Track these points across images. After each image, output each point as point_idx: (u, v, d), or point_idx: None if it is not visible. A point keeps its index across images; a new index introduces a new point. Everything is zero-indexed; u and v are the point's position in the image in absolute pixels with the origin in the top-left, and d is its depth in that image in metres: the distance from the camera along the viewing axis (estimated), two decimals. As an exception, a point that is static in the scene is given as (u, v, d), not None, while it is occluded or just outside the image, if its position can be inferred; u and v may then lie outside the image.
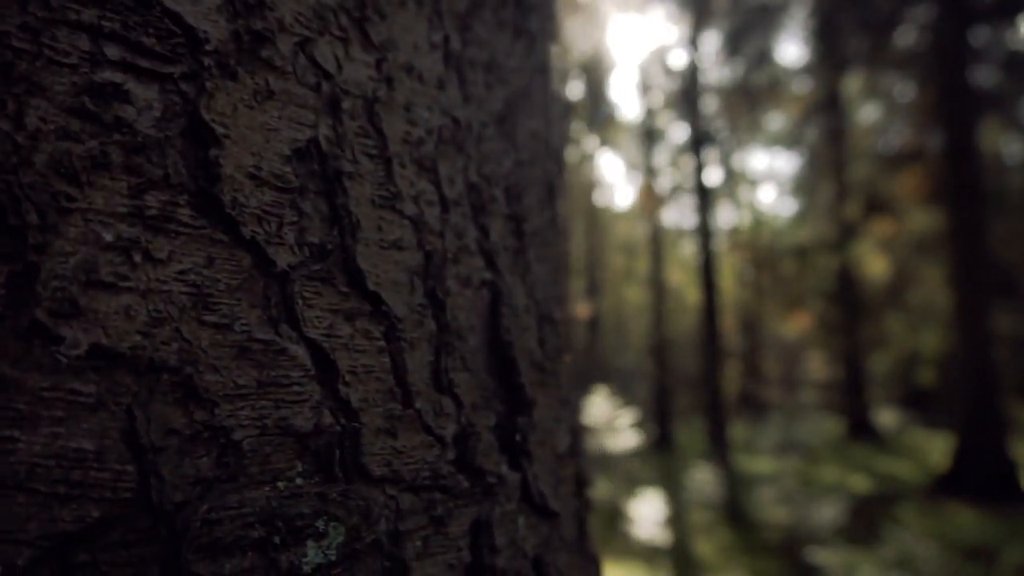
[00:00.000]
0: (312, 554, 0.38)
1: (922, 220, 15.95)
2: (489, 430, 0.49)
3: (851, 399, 16.75)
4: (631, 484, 11.09)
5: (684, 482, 10.40)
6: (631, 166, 25.61)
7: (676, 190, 25.63)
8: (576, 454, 0.63)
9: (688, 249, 24.00)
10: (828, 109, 16.65)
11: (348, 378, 0.42)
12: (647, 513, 8.19)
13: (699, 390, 16.21)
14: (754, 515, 9.47)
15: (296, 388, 0.39)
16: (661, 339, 15.16)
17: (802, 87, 17.39)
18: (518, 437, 0.51)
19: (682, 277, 26.39)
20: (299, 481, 0.38)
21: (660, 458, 13.92)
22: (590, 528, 0.64)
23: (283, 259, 0.40)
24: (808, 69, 17.19)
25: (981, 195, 11.06)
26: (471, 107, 0.52)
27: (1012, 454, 10.46)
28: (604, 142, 24.53)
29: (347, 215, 0.43)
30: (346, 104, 0.45)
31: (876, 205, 15.78)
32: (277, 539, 0.36)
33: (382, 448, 0.43)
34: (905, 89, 15.96)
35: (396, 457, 0.44)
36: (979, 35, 13.55)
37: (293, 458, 0.39)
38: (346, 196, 0.43)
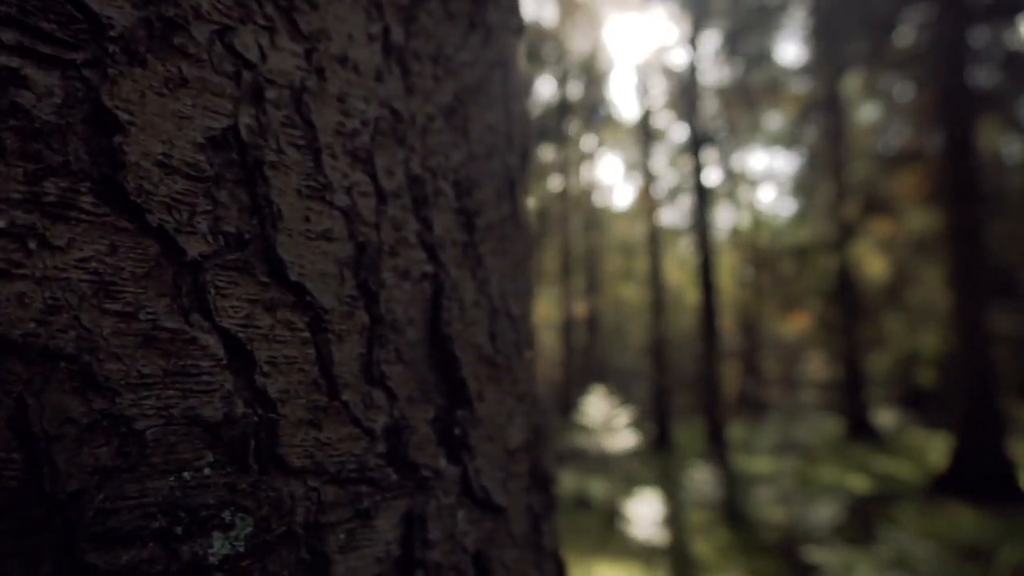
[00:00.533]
0: (218, 545, 0.37)
1: (921, 220, 15.94)
2: (427, 423, 0.48)
3: (850, 399, 16.74)
4: (629, 484, 11.08)
5: (682, 482, 10.39)
6: (630, 166, 25.60)
7: (675, 190, 25.63)
8: (534, 450, 0.62)
9: (687, 249, 23.99)
10: (827, 109, 16.64)
11: (267, 368, 0.42)
12: (645, 513, 8.17)
13: (698, 390, 16.20)
14: (752, 515, 9.47)
15: (206, 378, 0.39)
16: (660, 339, 15.15)
17: (801, 87, 17.38)
18: (457, 431, 0.50)
19: (681, 277, 26.38)
20: (208, 471, 0.38)
21: (659, 458, 13.91)
22: (550, 524, 0.63)
23: (194, 248, 0.40)
24: (807, 69, 17.19)
25: (979, 195, 11.05)
26: (416, 99, 0.51)
27: (1011, 454, 10.44)
28: (603, 142, 24.55)
29: (268, 205, 0.43)
30: (271, 94, 0.44)
31: (875, 205, 15.77)
32: (179, 529, 0.36)
33: (304, 440, 0.43)
34: (904, 89, 15.96)
35: (320, 449, 0.43)
36: (978, 35, 13.55)
37: (202, 448, 0.38)
38: (267, 186, 0.43)
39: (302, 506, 0.42)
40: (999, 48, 13.95)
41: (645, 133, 16.46)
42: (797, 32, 17.54)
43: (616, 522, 8.72)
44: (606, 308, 26.05)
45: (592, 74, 20.72)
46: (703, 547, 8.43)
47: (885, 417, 18.01)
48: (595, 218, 26.75)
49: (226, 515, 0.38)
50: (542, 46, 22.10)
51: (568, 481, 11.98)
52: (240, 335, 0.41)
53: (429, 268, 0.51)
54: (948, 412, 11.97)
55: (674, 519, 9.62)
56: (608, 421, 10.00)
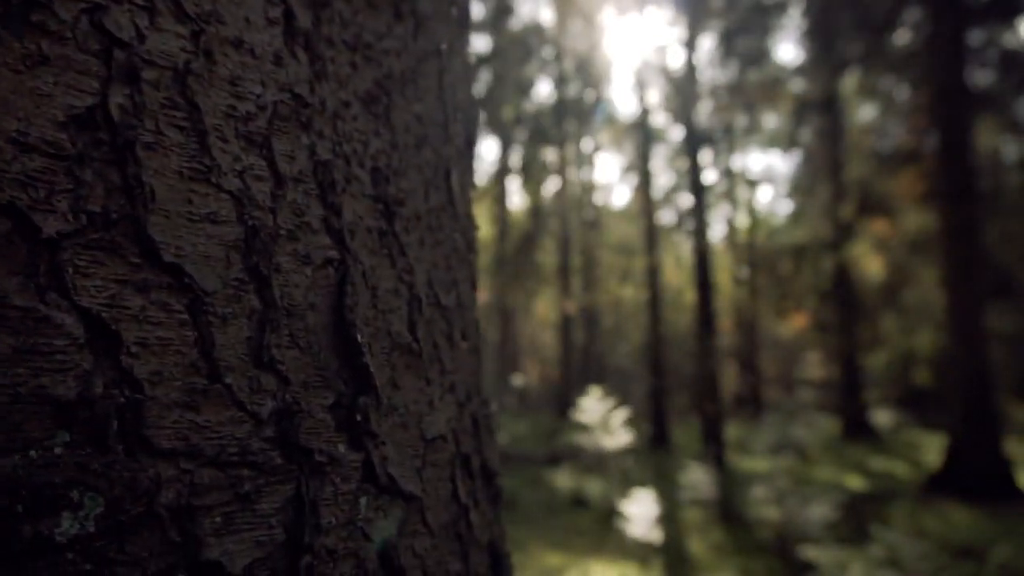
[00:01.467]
0: (67, 524, 0.37)
1: (919, 220, 15.94)
2: (325, 409, 0.48)
3: (848, 399, 16.74)
4: (626, 483, 11.09)
5: (679, 481, 10.39)
6: (628, 166, 25.62)
7: (673, 190, 25.63)
8: (473, 441, 0.61)
9: (685, 249, 23.99)
10: (823, 109, 16.64)
11: (135, 349, 0.41)
12: (640, 512, 8.18)
13: (696, 389, 16.20)
14: (748, 514, 9.47)
15: (60, 356, 0.39)
16: (656, 338, 15.14)
17: (798, 87, 17.38)
18: (359, 417, 0.50)
19: (679, 277, 26.39)
20: (59, 451, 0.38)
21: (656, 457, 13.92)
22: (485, 516, 0.62)
23: (51, 226, 0.39)
24: (803, 69, 17.19)
25: (975, 194, 11.05)
26: (327, 85, 0.51)
27: (1007, 452, 10.44)
28: (601, 142, 24.57)
29: (139, 185, 0.43)
30: (149, 74, 0.44)
31: (872, 205, 15.77)
32: (20, 507, 0.36)
33: (177, 421, 0.42)
34: (901, 89, 15.95)
35: (196, 431, 0.43)
36: (974, 35, 13.56)
37: (53, 427, 0.38)
38: (139, 166, 0.43)
39: (172, 488, 0.41)
40: (995, 48, 13.96)
41: (642, 133, 16.46)
42: (794, 32, 17.53)
43: (613, 521, 8.73)
44: (605, 308, 26.05)
45: (589, 74, 20.74)
46: (698, 546, 8.44)
47: (883, 417, 18.01)
48: (593, 218, 26.77)
49: (74, 494, 0.37)
50: (540, 46, 22.12)
51: (565, 481, 11.99)
52: (104, 315, 0.40)
53: (335, 254, 0.50)
54: (945, 412, 11.96)
55: (670, 518, 9.63)
56: (605, 421, 10.01)
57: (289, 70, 0.50)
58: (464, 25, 0.71)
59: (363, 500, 0.50)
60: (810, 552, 7.15)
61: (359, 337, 0.51)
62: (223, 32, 0.47)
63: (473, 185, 0.73)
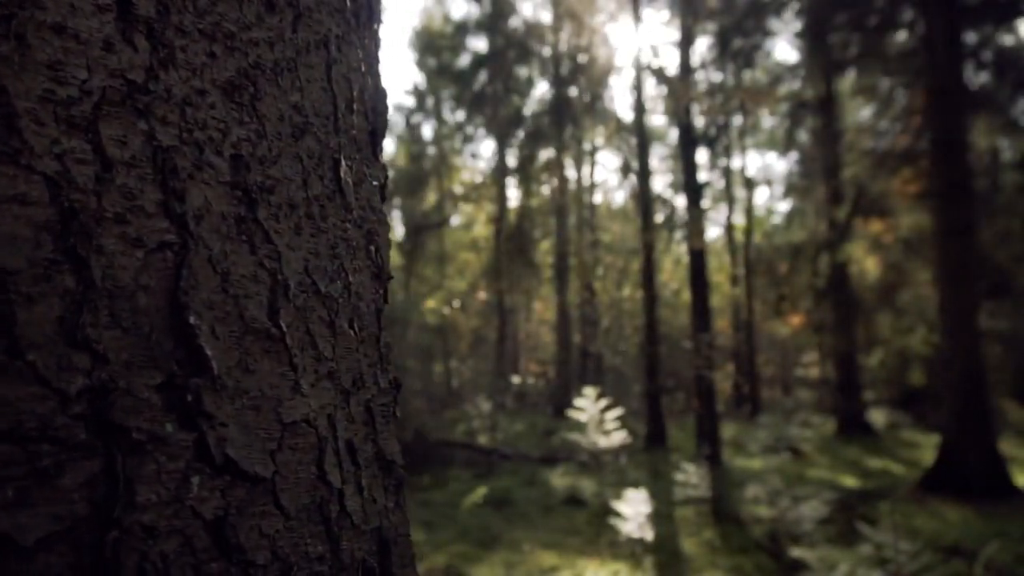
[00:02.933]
0: None
1: (915, 220, 15.94)
2: (151, 388, 0.49)
3: (844, 398, 16.75)
4: (621, 482, 11.10)
5: (673, 480, 10.41)
6: (625, 165, 25.60)
7: (671, 189, 25.63)
8: (346, 426, 0.62)
9: (684, 249, 23.96)
10: (819, 109, 16.65)
11: None
12: (633, 511, 8.21)
13: (693, 389, 16.20)
14: (741, 512, 9.49)
15: None
16: (653, 338, 15.16)
17: (793, 87, 17.39)
18: (191, 398, 0.51)
19: (677, 277, 26.40)
20: None
21: (652, 456, 13.94)
22: (372, 501, 0.64)
23: None
24: (799, 69, 17.20)
25: (970, 194, 11.07)
26: (175, 73, 0.53)
27: (1002, 451, 10.45)
28: (598, 141, 24.58)
29: None
30: None
31: (868, 205, 15.77)
32: None
33: None
34: (897, 88, 15.95)
35: None
36: (971, 34, 13.56)
37: None
38: None
39: None
40: (992, 47, 13.96)
41: (639, 133, 16.47)
42: (789, 32, 17.53)
43: (607, 520, 8.75)
44: (603, 308, 26.07)
45: (587, 74, 20.75)
46: (691, 544, 8.45)
47: (879, 416, 18.02)
48: (591, 217, 26.78)
49: None
50: (538, 46, 22.14)
51: (560, 480, 12.01)
52: None
53: (173, 238, 0.52)
54: (940, 411, 11.97)
55: (664, 517, 9.64)
56: (600, 420, 10.03)
57: (122, 56, 0.51)
58: (367, 18, 0.72)
59: (195, 479, 0.51)
60: (800, 551, 7.18)
61: (192, 319, 0.52)
62: (41, 17, 0.48)
63: (381, 177, 0.75)
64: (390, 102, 0.77)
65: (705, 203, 30.23)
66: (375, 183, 0.73)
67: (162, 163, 0.52)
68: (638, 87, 16.18)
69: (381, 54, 0.76)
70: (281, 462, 0.56)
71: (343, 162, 0.65)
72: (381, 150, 0.74)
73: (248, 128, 0.58)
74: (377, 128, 0.73)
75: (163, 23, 0.53)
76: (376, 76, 0.74)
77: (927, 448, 13.62)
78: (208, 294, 0.53)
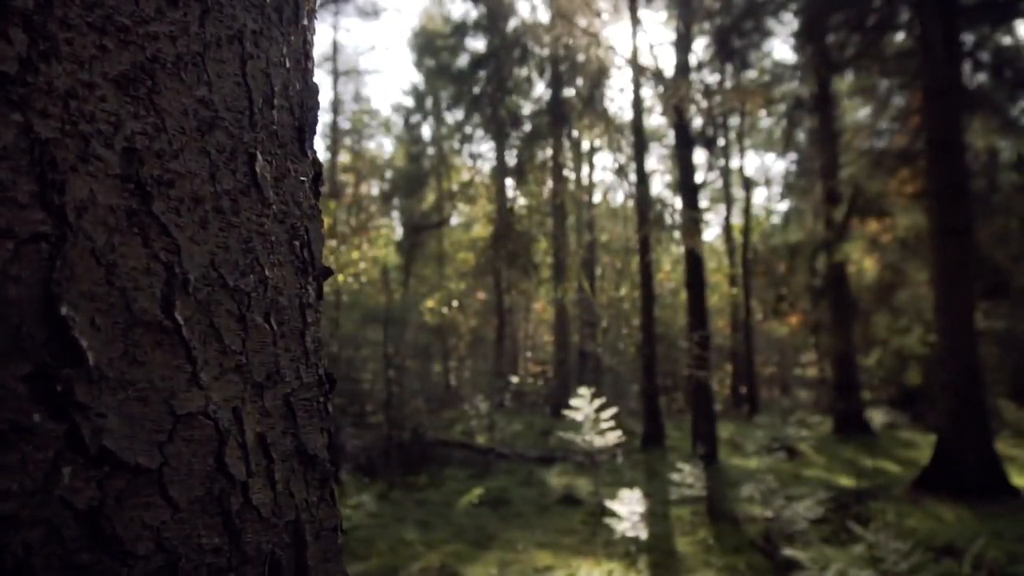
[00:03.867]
0: None
1: (912, 219, 15.93)
2: (18, 379, 0.49)
3: (841, 398, 16.74)
4: (618, 482, 11.11)
5: (669, 480, 10.41)
6: (625, 165, 25.58)
7: (669, 189, 25.63)
8: (258, 420, 0.62)
9: (682, 248, 23.94)
10: (816, 109, 16.64)
11: None
12: (628, 510, 8.21)
13: (689, 389, 16.19)
14: (736, 511, 9.50)
15: None
16: (650, 337, 15.16)
17: (791, 87, 17.39)
18: (61, 388, 0.51)
19: (676, 276, 26.39)
20: None
21: (649, 456, 13.94)
22: (287, 495, 0.64)
23: None
24: (796, 68, 17.19)
25: (966, 194, 11.07)
26: (58, 66, 0.53)
27: (998, 450, 10.45)
28: (596, 141, 24.56)
29: None
30: None
31: (865, 205, 15.77)
32: None
33: None
34: (896, 89, 15.94)
35: None
36: (968, 34, 13.56)
37: None
38: None
39: None
40: (989, 47, 13.95)
41: (637, 133, 16.47)
42: (787, 32, 17.53)
43: (601, 519, 8.75)
44: (602, 307, 26.06)
45: (584, 74, 20.74)
46: (685, 543, 8.46)
47: (877, 416, 18.01)
48: (589, 217, 26.78)
49: None
50: (536, 46, 22.14)
51: (556, 479, 12.02)
52: None
53: (49, 229, 0.52)
54: (937, 410, 11.97)
55: (660, 516, 9.65)
56: (595, 420, 10.03)
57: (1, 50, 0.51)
58: (292, 14, 0.72)
59: (66, 470, 0.51)
60: (793, 550, 7.18)
61: (64, 311, 0.51)
62: None
63: (310, 173, 0.75)
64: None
65: (704, 203, 30.27)
66: (302, 179, 0.73)
67: (40, 155, 0.52)
68: (636, 87, 16.19)
69: (313, 50, 0.76)
70: (171, 454, 0.56)
71: (259, 157, 0.65)
72: (310, 146, 0.75)
73: (144, 122, 0.58)
74: (305, 124, 0.73)
75: (44, 16, 0.53)
76: (304, 72, 0.74)
77: (924, 448, 13.61)
78: (89, 286, 0.53)
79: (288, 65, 0.71)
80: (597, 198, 28.39)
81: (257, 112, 0.65)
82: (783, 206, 26.18)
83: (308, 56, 0.75)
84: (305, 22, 0.75)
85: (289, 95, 0.71)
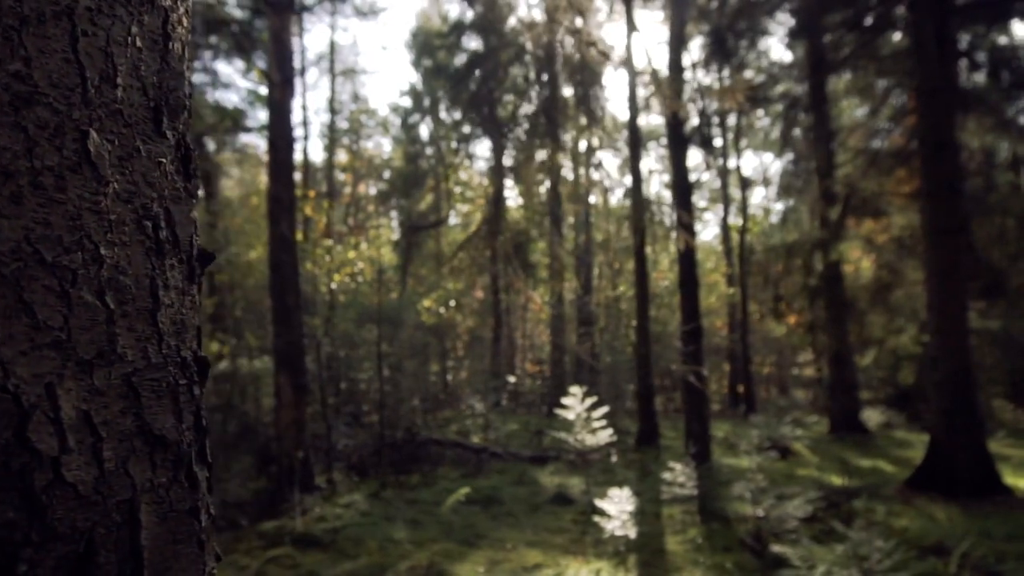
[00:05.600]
0: None
1: (907, 219, 15.92)
2: None
3: (837, 397, 16.73)
4: (610, 481, 11.10)
5: (661, 479, 10.41)
6: (622, 165, 25.60)
7: (667, 189, 25.62)
8: (80, 397, 0.62)
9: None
10: (812, 108, 16.63)
11: None
12: (617, 509, 8.21)
13: (682, 388, 16.17)
14: (727, 510, 9.49)
15: None
16: (645, 337, 15.15)
17: (787, 87, 17.37)
18: None
19: (674, 276, 26.32)
20: None
21: (644, 455, 13.93)
22: (117, 475, 0.63)
23: None
24: (792, 68, 17.18)
25: (960, 193, 11.04)
26: None
27: (991, 449, 10.43)
28: (594, 141, 24.52)
29: None
30: None
31: (861, 204, 15.75)
32: None
33: None
34: (893, 88, 15.92)
35: None
36: (966, 34, 13.54)
37: None
38: None
39: None
40: (985, 47, 13.93)
41: (632, 133, 16.47)
42: (782, 31, 17.52)
43: (592, 518, 8.75)
44: (599, 307, 26.06)
45: (581, 74, 20.74)
46: (675, 542, 8.45)
47: (873, 416, 17.99)
48: (587, 217, 26.77)
49: None
50: (533, 46, 22.14)
51: (549, 478, 12.02)
52: None
53: None
54: (930, 409, 11.95)
55: (651, 515, 9.64)
56: (586, 419, 10.02)
57: None
58: None
59: None
60: (781, 549, 7.18)
61: None
62: None
63: (168, 154, 0.74)
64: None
65: (702, 203, 30.27)
66: (160, 160, 0.72)
67: None
68: (631, 87, 16.18)
69: (181, 33, 0.76)
70: None
71: (94, 135, 0.64)
72: (170, 127, 0.74)
73: None
74: (162, 104, 0.73)
75: None
76: (165, 53, 0.74)
77: (919, 447, 13.59)
78: None
79: (139, 44, 0.70)
80: (595, 198, 28.40)
81: (92, 90, 0.65)
82: (781, 206, 26.14)
83: (170, 37, 0.75)
84: (167, 3, 0.75)
85: (141, 75, 0.70)
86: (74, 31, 0.64)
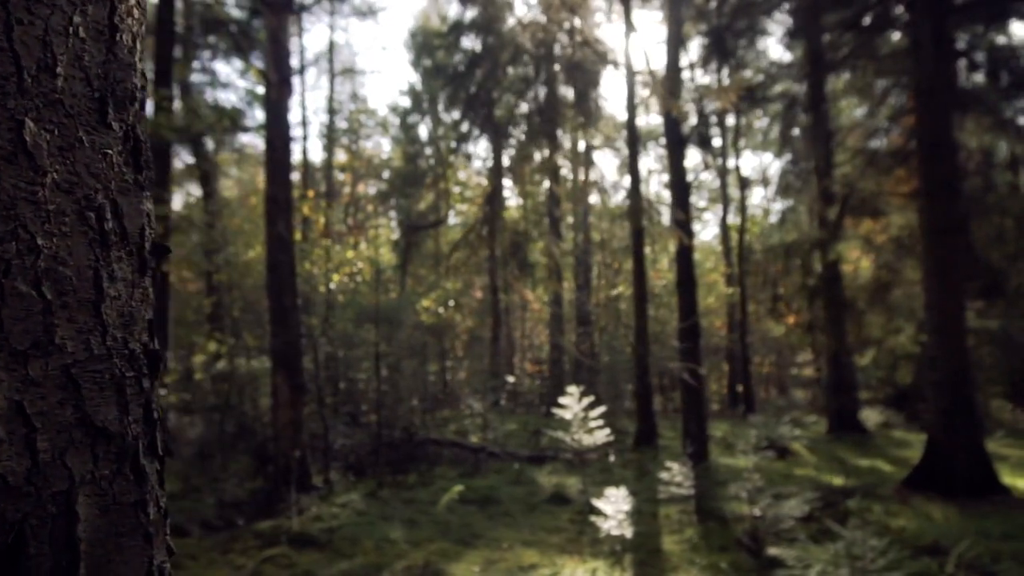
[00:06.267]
0: None
1: (906, 218, 15.89)
2: None
3: (835, 397, 16.71)
4: (607, 480, 11.09)
5: (658, 478, 10.40)
6: (621, 165, 25.59)
7: (666, 189, 25.58)
8: (16, 386, 0.62)
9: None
10: (810, 108, 16.61)
11: None
12: (614, 509, 8.20)
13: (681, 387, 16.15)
14: (724, 510, 9.49)
15: None
16: (643, 336, 15.14)
17: (785, 86, 17.35)
18: None
19: (672, 275, 26.30)
20: None
21: (642, 455, 13.93)
22: (51, 465, 0.63)
23: None
24: (790, 68, 17.16)
25: (957, 193, 11.03)
26: None
27: (989, 449, 10.43)
28: (592, 141, 24.51)
29: None
30: None
31: (858, 204, 15.73)
32: None
33: None
34: (892, 88, 15.90)
35: None
36: (965, 34, 13.51)
37: None
38: None
39: None
40: (983, 47, 13.91)
41: (630, 133, 16.46)
42: (781, 31, 17.51)
43: (589, 518, 8.74)
44: (599, 307, 26.04)
45: (580, 74, 20.73)
46: (671, 542, 8.45)
47: (871, 415, 17.98)
48: (585, 217, 26.74)
49: None
50: (531, 45, 22.13)
51: (547, 478, 12.01)
52: None
53: None
54: (928, 409, 11.94)
55: (648, 515, 9.64)
56: (583, 418, 10.01)
57: None
58: None
59: None
60: (776, 548, 7.17)
61: None
62: None
63: (115, 145, 0.74)
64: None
65: (701, 203, 30.26)
66: (106, 151, 0.72)
67: None
68: (629, 87, 16.18)
69: (122, 22, 0.75)
70: None
71: (30, 124, 0.64)
72: (117, 118, 0.74)
73: None
74: (107, 95, 0.72)
75: None
76: (111, 44, 0.73)
77: (918, 447, 13.57)
78: None
79: (83, 35, 0.70)
80: (594, 198, 28.38)
81: (29, 79, 0.65)
82: (780, 206, 26.12)
83: (118, 28, 0.74)
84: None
85: (84, 65, 0.70)
86: (8, 19, 0.63)
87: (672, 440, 15.72)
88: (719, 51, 15.41)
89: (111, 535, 0.67)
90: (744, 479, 8.77)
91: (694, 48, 17.39)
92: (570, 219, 27.50)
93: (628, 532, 8.10)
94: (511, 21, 21.65)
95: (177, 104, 16.74)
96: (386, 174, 30.81)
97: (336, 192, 28.16)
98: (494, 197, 21.93)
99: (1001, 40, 14.31)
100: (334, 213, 24.55)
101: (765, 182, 27.15)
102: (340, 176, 29.92)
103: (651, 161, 29.46)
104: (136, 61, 0.78)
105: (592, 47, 16.67)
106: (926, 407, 13.85)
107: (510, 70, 22.43)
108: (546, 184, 23.92)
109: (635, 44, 18.96)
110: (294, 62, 24.00)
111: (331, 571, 7.30)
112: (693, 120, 16.69)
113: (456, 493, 9.69)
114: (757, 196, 36.69)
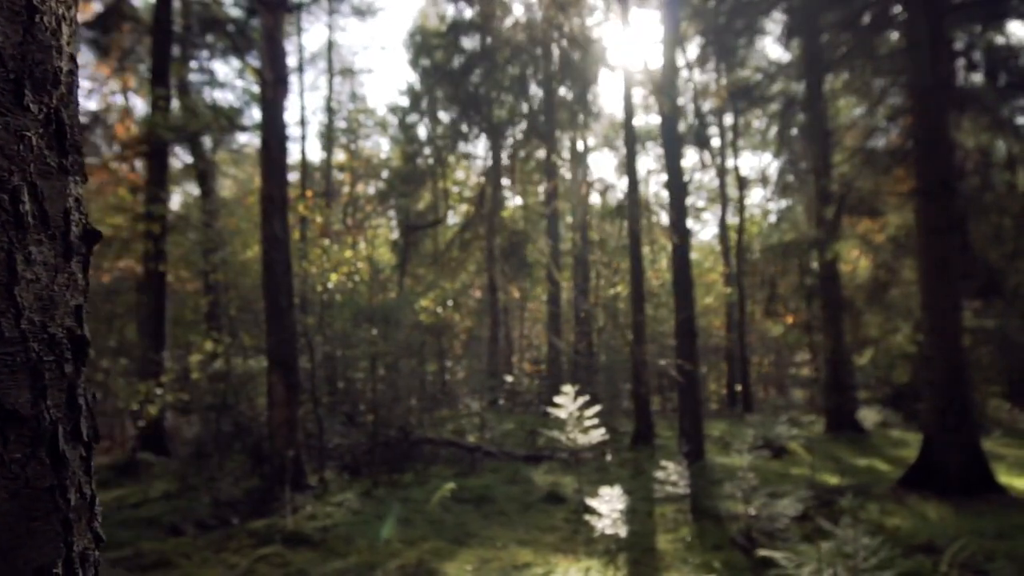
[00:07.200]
0: None
1: (904, 218, 15.88)
2: None
3: (833, 397, 16.70)
4: (603, 480, 11.08)
5: (654, 477, 10.39)
6: (619, 165, 25.58)
7: (666, 189, 25.56)
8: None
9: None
10: (808, 108, 16.60)
11: None
12: (607, 508, 8.19)
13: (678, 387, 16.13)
14: (719, 509, 9.47)
15: None
16: (640, 336, 15.14)
17: (783, 86, 17.35)
18: None
19: (669, 276, 26.29)
20: None
21: (638, 454, 13.92)
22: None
23: None
24: (788, 68, 17.16)
25: (953, 192, 11.02)
26: None
27: (985, 448, 10.41)
28: (590, 141, 24.58)
29: None
30: None
31: (855, 204, 15.73)
32: None
33: None
34: (890, 87, 15.88)
35: None
36: (963, 34, 13.51)
37: None
38: None
39: None
40: (981, 47, 13.90)
41: (628, 132, 16.45)
42: (778, 31, 17.49)
43: (584, 517, 8.74)
44: (598, 307, 26.02)
45: (578, 74, 20.73)
46: (665, 541, 8.44)
47: (869, 415, 17.96)
48: (584, 217, 26.74)
49: None
50: (530, 45, 22.13)
51: (542, 477, 12.00)
52: None
53: None
54: (923, 408, 11.92)
55: (643, 514, 9.63)
56: (578, 418, 10.01)
57: None
58: None
59: None
60: (770, 548, 7.16)
61: None
62: None
63: (33, 128, 0.73)
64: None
65: (700, 203, 30.24)
66: (25, 133, 0.71)
67: None
68: (627, 87, 16.17)
69: (42, 4, 0.74)
70: None
71: None
72: (35, 100, 0.73)
73: None
74: (23, 77, 0.71)
75: None
76: (29, 26, 0.72)
77: (915, 446, 13.55)
78: None
79: None
80: (592, 197, 28.37)
81: None
82: (778, 205, 26.10)
83: (37, 11, 0.74)
84: None
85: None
86: None
87: (669, 439, 15.70)
88: (716, 51, 15.40)
89: (22, 519, 0.66)
90: (739, 478, 8.76)
91: (692, 48, 17.37)
92: (568, 219, 27.48)
93: (622, 531, 8.09)
94: (509, 21, 21.66)
95: (175, 103, 16.75)
96: (385, 174, 30.81)
97: (335, 192, 28.16)
98: (484, 196, 21.92)
99: (999, 40, 14.30)
100: (333, 213, 24.55)
101: (763, 182, 27.13)
102: (339, 176, 29.92)
103: (650, 161, 29.43)
104: (62, 44, 0.77)
105: (589, 47, 16.67)
106: (923, 406, 13.85)
107: (509, 70, 22.44)
108: (545, 184, 23.92)
109: (632, 44, 18.93)
110: (293, 62, 24.00)
111: (324, 570, 7.30)
112: (691, 120, 16.69)
113: (448, 491, 9.67)
114: (756, 196, 36.68)
